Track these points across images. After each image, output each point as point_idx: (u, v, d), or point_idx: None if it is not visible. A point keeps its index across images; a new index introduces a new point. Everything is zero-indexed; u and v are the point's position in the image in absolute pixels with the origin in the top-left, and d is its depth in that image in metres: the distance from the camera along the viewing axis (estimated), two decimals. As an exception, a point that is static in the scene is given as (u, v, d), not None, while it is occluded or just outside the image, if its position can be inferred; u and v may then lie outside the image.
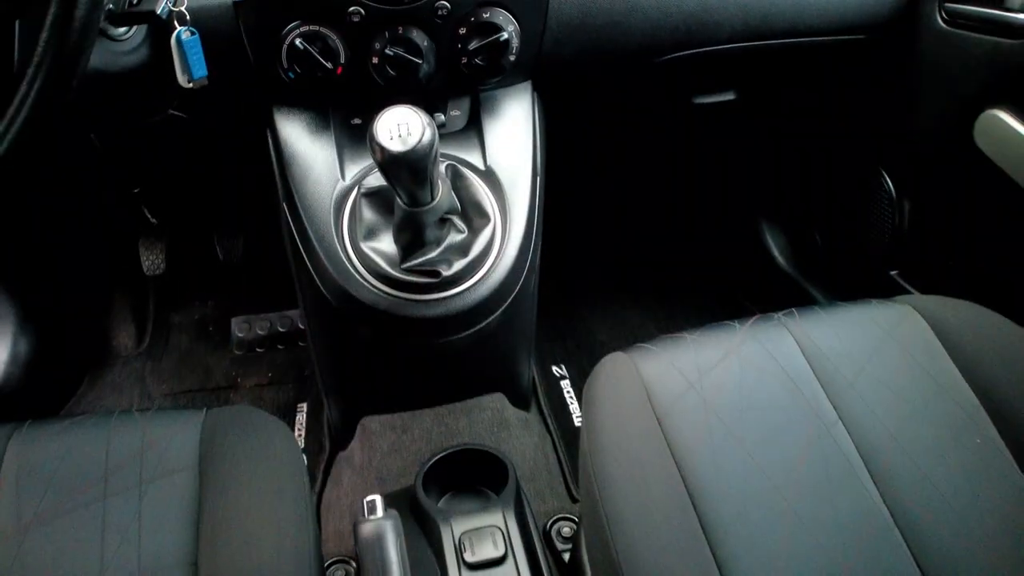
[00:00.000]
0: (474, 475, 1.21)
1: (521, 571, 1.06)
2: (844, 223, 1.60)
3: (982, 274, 1.32)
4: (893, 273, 1.49)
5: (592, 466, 0.84)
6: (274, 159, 1.06)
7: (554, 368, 1.69)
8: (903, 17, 1.23)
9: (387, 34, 0.97)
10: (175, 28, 0.89)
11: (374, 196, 0.97)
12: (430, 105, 1.08)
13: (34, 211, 1.57)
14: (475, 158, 1.07)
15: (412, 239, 0.91)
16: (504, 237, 1.01)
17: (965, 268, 1.35)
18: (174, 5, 0.87)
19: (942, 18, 1.19)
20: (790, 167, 1.75)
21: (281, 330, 1.79)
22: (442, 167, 0.98)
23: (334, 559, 1.24)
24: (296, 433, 1.57)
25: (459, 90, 1.09)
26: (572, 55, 1.09)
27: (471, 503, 1.18)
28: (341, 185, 1.02)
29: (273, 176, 1.08)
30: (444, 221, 0.94)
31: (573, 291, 1.90)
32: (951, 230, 1.36)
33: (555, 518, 1.30)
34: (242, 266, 1.90)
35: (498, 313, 1.03)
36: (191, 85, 0.92)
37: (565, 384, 1.65)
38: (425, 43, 0.98)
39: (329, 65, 0.96)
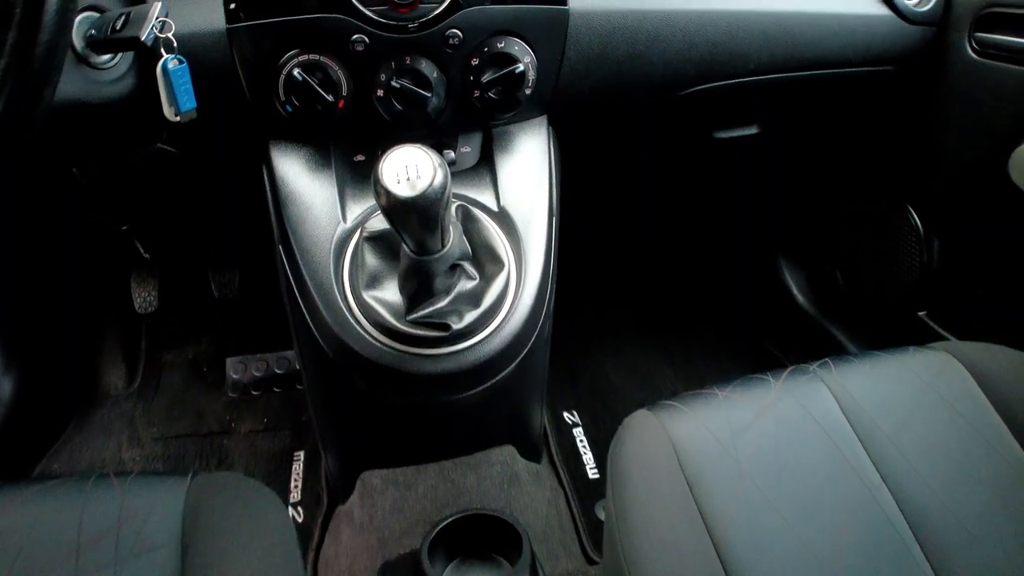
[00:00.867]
0: (484, 540, 1.12)
1: None
2: (868, 261, 1.55)
3: (1019, 315, 1.25)
4: (921, 314, 1.43)
5: (618, 536, 0.79)
6: (269, 198, 0.98)
7: (566, 415, 1.60)
8: (932, 47, 1.20)
9: (393, 65, 0.90)
10: (162, 56, 0.82)
11: (378, 240, 0.89)
12: (439, 141, 1.02)
13: (16, 246, 1.50)
14: (487, 198, 1.00)
15: (419, 289, 0.83)
16: (519, 285, 0.93)
17: (1001, 309, 1.29)
18: (161, 31, 0.79)
19: (972, 48, 1.16)
20: (810, 203, 1.69)
21: (278, 371, 1.71)
22: (452, 209, 0.90)
23: None
24: (292, 484, 1.48)
25: (470, 125, 1.02)
26: (591, 88, 1.03)
27: (481, 572, 1.09)
28: (342, 227, 0.94)
29: (269, 213, 1.00)
30: (454, 268, 0.86)
31: (583, 330, 1.82)
32: (985, 269, 1.31)
33: None
34: (237, 303, 1.83)
35: (512, 367, 0.95)
36: (178, 118, 0.84)
37: (578, 432, 1.57)
38: (434, 74, 0.91)
39: (330, 98, 0.89)
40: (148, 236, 1.68)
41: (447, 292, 0.86)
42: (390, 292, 0.87)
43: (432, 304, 0.85)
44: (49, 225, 1.53)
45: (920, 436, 0.85)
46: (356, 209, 0.96)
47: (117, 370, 1.76)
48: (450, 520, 1.09)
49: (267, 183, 0.99)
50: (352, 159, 1.00)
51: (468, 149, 1.03)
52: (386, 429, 1.18)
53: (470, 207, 0.94)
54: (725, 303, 1.92)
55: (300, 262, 0.92)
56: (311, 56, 0.88)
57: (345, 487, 1.30)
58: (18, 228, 1.46)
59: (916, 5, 1.17)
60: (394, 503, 1.24)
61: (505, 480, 1.28)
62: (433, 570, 1.05)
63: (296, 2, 0.86)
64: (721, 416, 0.87)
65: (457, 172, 1.02)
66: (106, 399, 1.72)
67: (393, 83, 0.90)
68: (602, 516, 1.37)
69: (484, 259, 0.92)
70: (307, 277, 0.91)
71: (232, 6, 0.87)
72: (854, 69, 1.19)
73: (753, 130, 1.45)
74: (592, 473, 1.48)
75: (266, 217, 1.01)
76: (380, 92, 0.91)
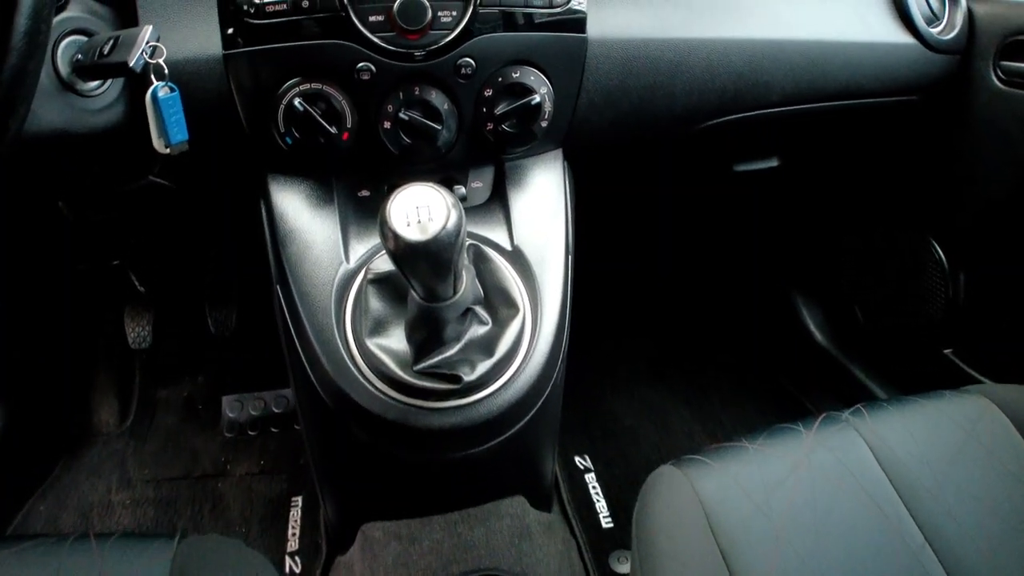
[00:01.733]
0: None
1: None
2: (889, 296, 1.52)
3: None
4: (947, 352, 1.40)
5: None
6: (267, 235, 0.92)
7: (577, 459, 1.54)
8: (956, 77, 1.19)
9: (401, 95, 0.84)
10: (152, 84, 0.76)
11: (383, 283, 0.83)
12: (448, 176, 0.96)
13: (2, 279, 1.44)
14: (500, 236, 0.94)
15: (428, 337, 0.77)
16: (535, 330, 0.86)
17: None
18: (151, 57, 0.73)
19: (998, 77, 1.15)
20: (828, 235, 1.66)
21: (276, 411, 1.65)
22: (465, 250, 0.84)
23: None
24: (289, 531, 1.41)
25: (482, 159, 0.97)
26: (609, 120, 0.98)
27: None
28: (344, 268, 0.88)
29: (267, 249, 0.94)
30: (466, 313, 0.80)
31: (595, 367, 1.77)
32: (1014, 303, 1.27)
33: None
34: (235, 338, 1.77)
35: (526, 419, 0.88)
36: (168, 151, 0.79)
37: (590, 477, 1.50)
38: (445, 106, 0.85)
39: (333, 130, 0.84)
40: (143, 269, 1.63)
41: (457, 339, 0.79)
42: (396, 340, 0.81)
43: (441, 353, 0.78)
44: (38, 258, 1.47)
45: (962, 490, 0.82)
46: (360, 248, 0.90)
47: (109, 407, 1.71)
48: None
49: (265, 219, 0.93)
50: (356, 194, 0.94)
51: (479, 184, 0.98)
52: (389, 480, 1.11)
53: (482, 246, 0.88)
54: (741, 339, 1.88)
55: (299, 305, 0.86)
56: (313, 85, 0.83)
57: (345, 538, 1.22)
58: (4, 261, 1.40)
59: (940, 33, 1.15)
60: (397, 558, 1.17)
61: (515, 534, 1.21)
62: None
63: (297, 27, 0.81)
64: (753, 471, 0.83)
65: (468, 208, 0.96)
66: (97, 437, 1.66)
67: (401, 115, 0.84)
68: (617, 568, 1.31)
69: (497, 302, 0.85)
70: (306, 322, 0.85)
71: (230, 31, 0.82)
72: (878, 100, 1.16)
73: (773, 163, 1.40)
74: (606, 522, 1.41)
75: (265, 251, 0.95)
76: (387, 124, 0.85)
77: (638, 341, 1.90)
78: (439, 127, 0.85)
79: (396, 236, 0.63)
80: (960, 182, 1.27)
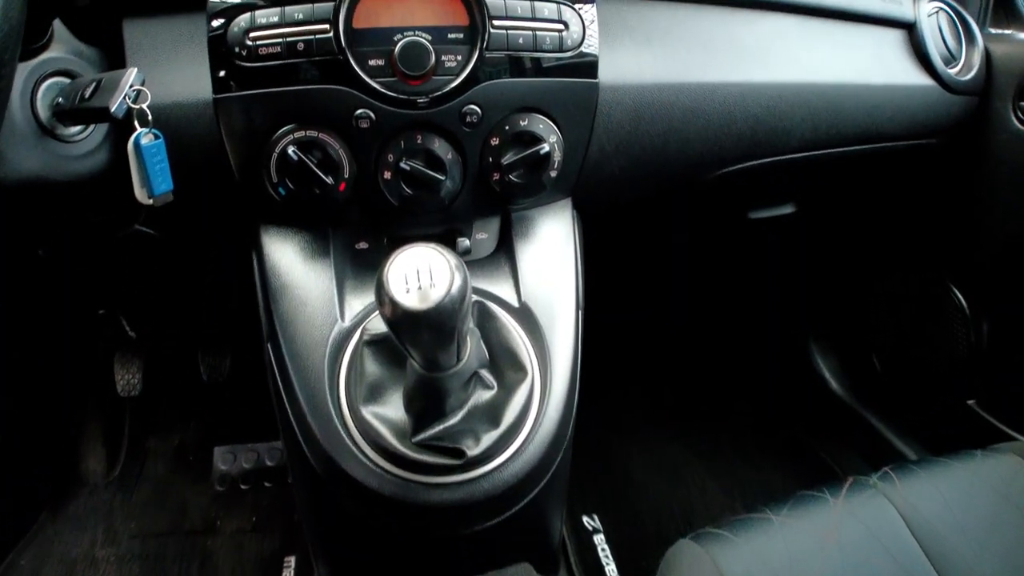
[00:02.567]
0: None
1: None
2: (907, 345, 1.49)
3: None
4: (971, 403, 1.36)
5: None
6: (259, 289, 0.86)
7: (585, 519, 1.47)
8: (975, 118, 1.18)
9: (403, 143, 0.79)
10: (135, 130, 0.71)
11: (380, 345, 0.76)
12: (452, 227, 0.91)
13: None
14: (506, 292, 0.88)
15: (428, 408, 0.70)
16: (544, 395, 0.80)
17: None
18: (135, 101, 0.68)
19: (1017, 117, 1.15)
20: (844, 283, 1.63)
21: (269, 464, 1.60)
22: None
23: None
24: None
25: (487, 209, 0.91)
26: (621, 168, 0.93)
27: None
28: (339, 327, 0.81)
29: (258, 302, 0.88)
30: (471, 378, 0.73)
31: (602, 418, 1.70)
32: None
33: None
34: (228, 387, 1.71)
35: (535, 492, 0.81)
36: (151, 202, 0.73)
37: (599, 539, 1.43)
38: (449, 155, 0.80)
39: (330, 180, 0.79)
40: (133, 313, 1.58)
41: (460, 406, 0.73)
42: (393, 407, 0.74)
43: (443, 422, 0.72)
44: (21, 303, 1.42)
45: (1001, 559, 0.79)
46: (356, 305, 0.84)
47: (96, 456, 1.65)
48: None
49: (256, 272, 0.87)
50: (354, 246, 0.89)
51: (484, 236, 0.92)
52: (384, 551, 1.04)
53: (487, 303, 0.82)
54: (756, 388, 1.83)
55: (289, 367, 0.80)
56: (308, 133, 0.78)
57: (339, 605, 1.15)
58: None
59: (958, 74, 1.15)
60: (394, 628, 1.09)
61: (520, 605, 1.14)
62: None
63: (293, 71, 0.76)
64: (778, 546, 0.79)
65: (472, 262, 0.91)
66: (83, 487, 1.61)
67: (402, 164, 0.79)
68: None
69: (503, 364, 0.79)
70: (297, 386, 0.79)
71: (221, 73, 0.77)
72: (897, 143, 1.15)
73: (789, 209, 1.36)
74: None
75: (256, 303, 0.89)
76: (387, 174, 0.80)
77: (648, 389, 1.85)
78: (442, 177, 0.80)
79: (394, 303, 0.57)
80: (979, 224, 1.25)
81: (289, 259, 0.85)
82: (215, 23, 0.76)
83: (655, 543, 0.80)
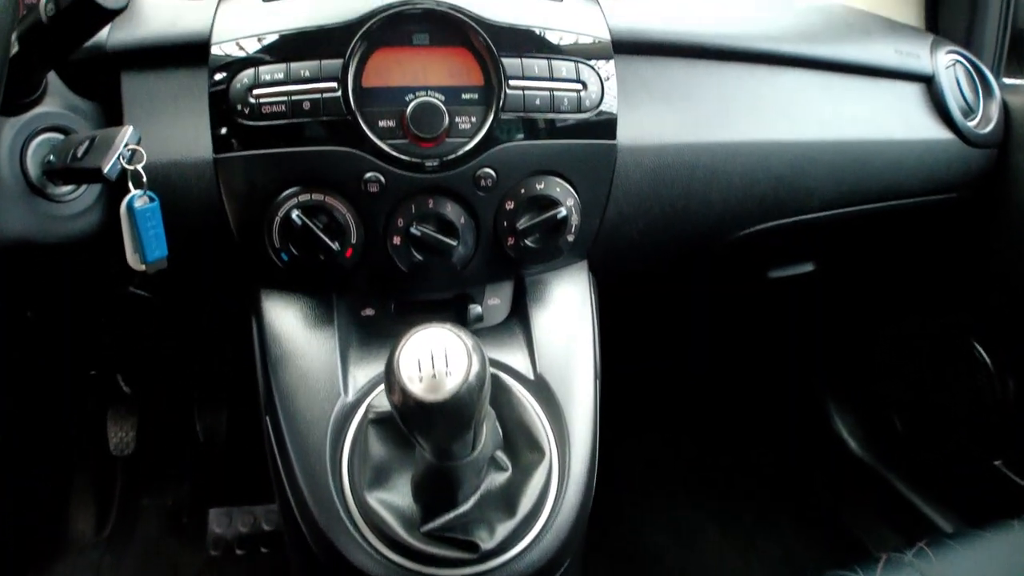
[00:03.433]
0: None
1: None
2: (929, 404, 1.44)
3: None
4: (997, 463, 1.31)
5: None
6: (258, 358, 0.82)
7: None
8: (996, 171, 1.16)
9: (413, 208, 0.76)
10: (129, 192, 0.68)
11: (387, 423, 0.71)
12: (463, 293, 0.86)
13: None
14: (520, 362, 0.82)
15: (438, 498, 0.65)
16: (563, 479, 0.74)
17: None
18: (129, 162, 0.65)
19: None
20: (863, 339, 1.59)
21: (267, 528, 1.54)
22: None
23: None
24: None
25: (500, 274, 0.87)
26: (639, 230, 0.90)
27: None
28: (343, 402, 0.76)
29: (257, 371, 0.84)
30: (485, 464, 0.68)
31: (614, 481, 1.63)
32: None
33: None
34: (225, 446, 1.65)
35: None
36: (144, 268, 0.69)
37: None
38: (462, 220, 0.77)
39: (336, 246, 0.75)
40: (128, 369, 1.53)
41: (473, 491, 0.68)
42: (400, 493, 0.69)
43: (454, 509, 0.66)
44: (10, 361, 1.38)
45: None
46: (361, 378, 0.79)
47: (86, 516, 1.59)
48: None
49: (256, 339, 0.83)
50: (360, 313, 0.85)
51: (497, 301, 0.88)
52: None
53: (501, 376, 0.77)
54: (774, 449, 1.78)
55: (289, 445, 0.75)
56: (314, 196, 0.74)
57: None
58: None
59: (977, 126, 1.13)
60: None
61: None
62: None
63: (299, 131, 0.73)
64: None
65: (484, 329, 0.87)
66: (71, 548, 1.55)
67: (412, 230, 0.76)
68: None
69: (519, 443, 0.74)
70: (296, 466, 0.74)
71: (222, 131, 0.74)
72: (919, 199, 1.12)
73: (808, 267, 1.32)
74: None
75: (255, 370, 0.84)
76: (396, 240, 0.77)
77: (666, 438, 1.81)
78: (454, 243, 0.77)
79: (404, 392, 0.52)
80: (1002, 280, 1.23)
81: (290, 326, 0.81)
82: (217, 77, 0.74)
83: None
